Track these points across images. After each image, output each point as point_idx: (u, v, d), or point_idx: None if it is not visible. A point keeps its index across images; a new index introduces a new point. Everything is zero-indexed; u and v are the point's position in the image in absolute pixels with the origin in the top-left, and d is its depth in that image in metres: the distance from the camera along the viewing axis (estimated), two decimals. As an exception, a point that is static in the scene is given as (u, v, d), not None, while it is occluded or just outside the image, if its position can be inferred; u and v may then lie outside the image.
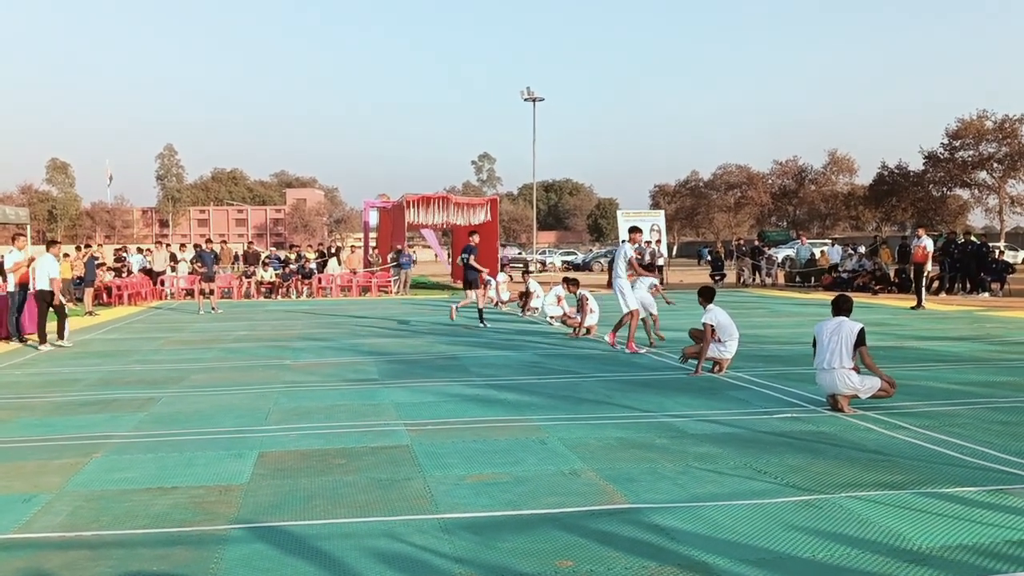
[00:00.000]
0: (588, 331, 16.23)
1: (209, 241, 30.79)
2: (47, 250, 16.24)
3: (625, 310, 13.74)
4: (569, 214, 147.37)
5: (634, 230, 14.89)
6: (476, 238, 19.34)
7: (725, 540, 4.96)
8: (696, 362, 11.34)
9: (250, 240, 51.92)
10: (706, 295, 11.68)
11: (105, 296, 26.81)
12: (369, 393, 10.18)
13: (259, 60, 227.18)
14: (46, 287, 15.50)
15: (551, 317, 18.60)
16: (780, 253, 42.76)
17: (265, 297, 30.29)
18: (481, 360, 13.00)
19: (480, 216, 33.86)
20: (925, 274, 22.56)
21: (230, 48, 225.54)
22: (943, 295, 26.49)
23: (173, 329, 18.90)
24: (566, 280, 18.56)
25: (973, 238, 29.38)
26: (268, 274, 31.27)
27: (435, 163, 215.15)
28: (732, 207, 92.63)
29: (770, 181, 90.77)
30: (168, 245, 37.28)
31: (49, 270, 15.58)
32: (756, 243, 39.29)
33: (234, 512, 5.64)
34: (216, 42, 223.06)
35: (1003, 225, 68.03)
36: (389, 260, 33.12)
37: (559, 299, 18.53)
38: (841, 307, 8.95)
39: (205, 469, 6.78)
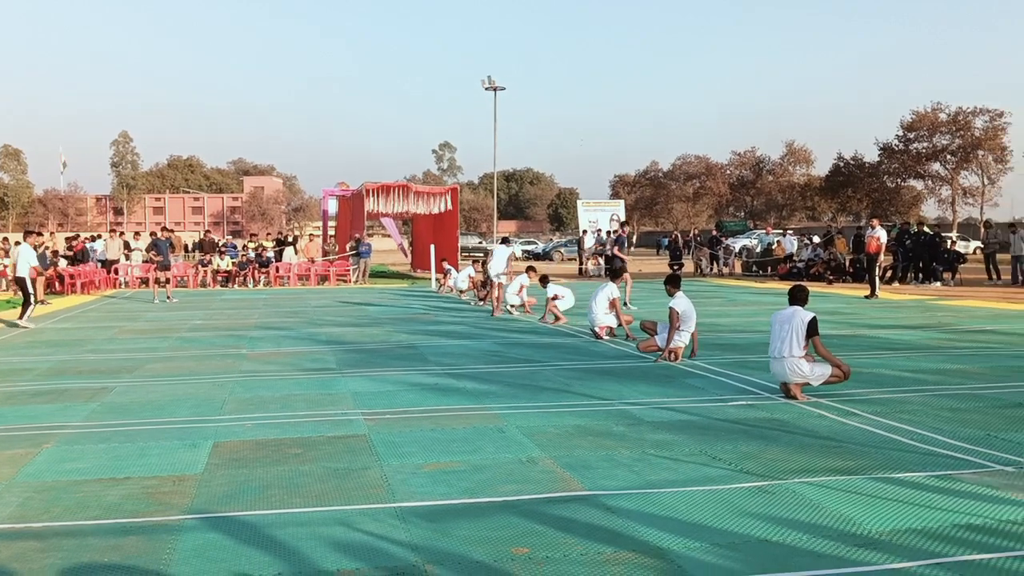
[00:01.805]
0: (557, 319, 16.27)
1: (165, 229, 30.40)
2: (24, 239, 18.28)
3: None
4: (530, 203, 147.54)
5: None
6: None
7: (680, 525, 5.01)
8: (659, 351, 11.44)
9: (207, 228, 51.34)
10: (673, 282, 11.86)
11: (57, 285, 26.37)
12: (326, 382, 10.13)
13: (216, 47, 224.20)
14: (25, 275, 17.01)
15: (511, 306, 18.62)
16: (737, 243, 43.21)
17: (221, 286, 29.98)
18: (440, 349, 12.98)
19: (440, 205, 33.77)
20: (879, 264, 22.90)
21: (186, 34, 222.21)
22: (896, 284, 26.91)
23: (127, 318, 18.64)
24: (530, 269, 18.63)
25: (926, 229, 29.89)
26: (224, 263, 30.94)
27: (395, 152, 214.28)
28: (691, 197, 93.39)
29: (728, 172, 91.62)
30: (122, 233, 36.74)
31: (28, 259, 17.19)
32: (714, 233, 39.61)
33: (188, 502, 5.58)
34: (171, 28, 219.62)
35: (955, 216, 69.35)
36: (348, 249, 32.94)
37: (521, 288, 18.54)
38: (796, 297, 9.05)
39: (159, 459, 6.70)
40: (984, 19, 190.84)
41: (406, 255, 42.27)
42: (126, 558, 4.62)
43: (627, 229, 26.29)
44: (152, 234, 29.41)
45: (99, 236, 36.41)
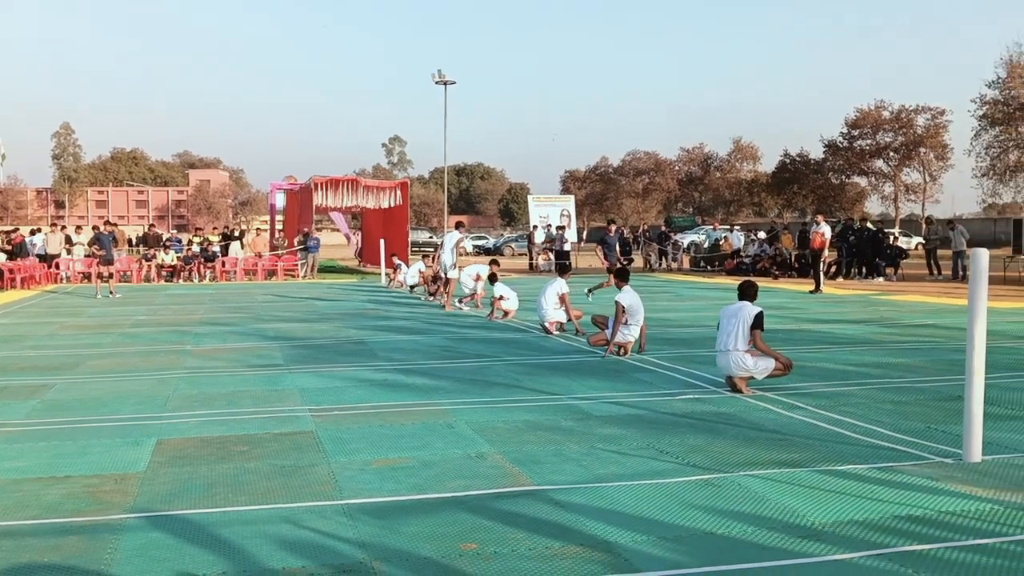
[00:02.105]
0: (506, 314, 16.26)
1: (108, 223, 29.81)
2: None
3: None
4: (480, 198, 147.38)
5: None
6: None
7: (627, 519, 5.04)
8: (606, 346, 11.49)
9: (151, 222, 50.48)
10: (622, 276, 11.92)
11: (-5, 280, 25.74)
12: (273, 379, 10.02)
13: (159, 38, 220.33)
14: None
15: (461, 300, 18.58)
16: (686, 239, 43.60)
17: (166, 281, 29.47)
18: (389, 345, 12.91)
19: (390, 200, 33.57)
20: (823, 259, 23.27)
21: (129, 25, 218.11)
22: (840, 280, 27.39)
23: (69, 314, 18.26)
24: (493, 262, 18.56)
25: (869, 225, 30.47)
26: (169, 257, 30.43)
27: (344, 145, 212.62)
28: (640, 193, 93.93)
29: (677, 168, 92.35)
30: (63, 227, 35.97)
31: None
32: (663, 229, 39.92)
33: (130, 501, 5.48)
34: (115, 19, 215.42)
35: (898, 212, 70.67)
36: (296, 243, 32.61)
37: (478, 276, 18.50)
38: (745, 292, 9.16)
39: (100, 457, 6.57)
40: (926, 20, 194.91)
41: (352, 242, 41.81)
42: (66, 558, 4.52)
43: (613, 228, 25.17)
44: (95, 228, 28.85)
45: (39, 230, 35.63)
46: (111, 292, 22.65)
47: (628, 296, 11.44)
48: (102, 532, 4.92)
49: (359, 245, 41.33)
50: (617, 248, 24.05)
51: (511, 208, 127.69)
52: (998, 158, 53.99)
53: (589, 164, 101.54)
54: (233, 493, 5.63)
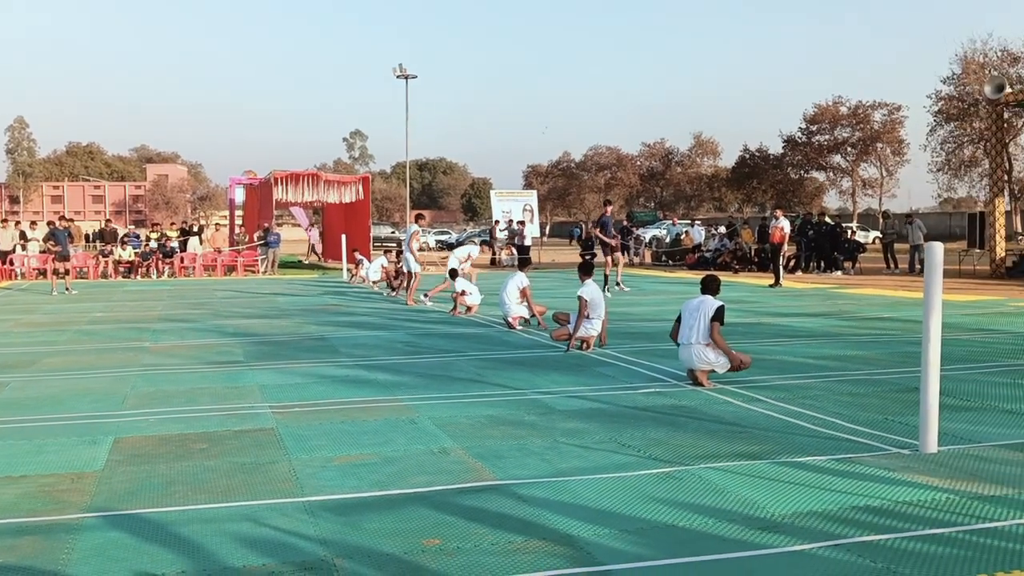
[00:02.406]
0: (469, 309, 16.25)
1: (63, 218, 29.33)
2: None
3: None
4: (443, 193, 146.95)
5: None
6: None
7: (590, 512, 5.05)
8: (568, 341, 11.52)
9: (108, 218, 49.73)
10: (585, 270, 11.97)
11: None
12: (233, 375, 9.92)
13: (114, 29, 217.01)
14: None
15: (426, 294, 18.56)
16: (647, 233, 43.84)
17: (124, 277, 29.10)
18: (351, 340, 12.84)
19: (352, 194, 33.35)
20: (783, 253, 23.51)
21: (84, 17, 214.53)
22: (799, 273, 27.69)
23: (24, 311, 17.95)
24: (484, 243, 18.52)
25: (827, 219, 30.81)
26: (127, 253, 30.02)
27: (305, 140, 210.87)
28: (602, 188, 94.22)
29: (639, 163, 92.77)
30: (18, 223, 35.31)
31: None
32: (625, 223, 40.08)
33: (87, 500, 5.40)
34: (68, 10, 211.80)
35: (856, 206, 71.64)
36: (256, 239, 32.31)
37: (468, 256, 18.51)
38: (707, 287, 9.22)
39: (56, 456, 6.47)
40: (884, 16, 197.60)
41: (313, 251, 41.44)
42: (22, 559, 4.44)
43: (610, 208, 24.48)
44: (50, 223, 28.36)
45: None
46: (67, 288, 22.30)
47: (589, 289, 11.48)
48: (59, 532, 4.84)
49: (313, 242, 40.94)
50: (611, 229, 22.92)
51: (474, 203, 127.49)
52: (953, 153, 54.92)
53: (551, 159, 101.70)
54: (192, 491, 5.57)
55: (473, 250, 19.17)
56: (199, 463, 6.24)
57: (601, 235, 22.48)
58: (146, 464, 6.22)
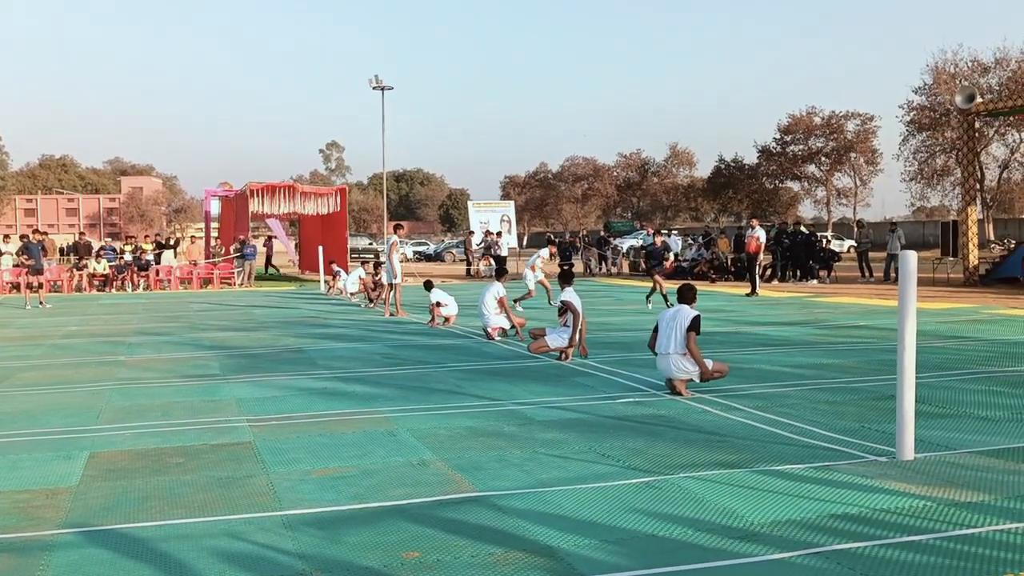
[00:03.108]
0: (447, 320, 16.23)
1: (36, 231, 29.04)
2: None
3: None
4: (421, 204, 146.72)
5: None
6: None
7: (570, 523, 5.05)
8: (552, 351, 11.56)
9: (82, 231, 49.29)
10: (566, 278, 12.23)
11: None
12: (209, 389, 9.84)
13: (88, 40, 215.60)
14: None
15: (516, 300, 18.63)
16: (625, 243, 43.98)
17: (98, 290, 28.84)
18: (329, 352, 12.78)
19: (329, 206, 33.23)
20: (759, 263, 23.65)
21: (57, 28, 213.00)
22: (775, 282, 27.85)
23: (-4, 325, 17.74)
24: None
25: (803, 228, 31.03)
26: (101, 266, 29.76)
27: (281, 151, 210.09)
28: (580, 198, 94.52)
29: (615, 173, 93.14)
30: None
31: None
32: (602, 234, 40.22)
33: (62, 516, 5.34)
34: (42, 21, 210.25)
35: (830, 216, 72.27)
36: (232, 251, 32.13)
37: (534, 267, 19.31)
38: (684, 296, 9.26)
39: (31, 472, 6.39)
40: (856, 27, 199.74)
41: (292, 257, 41.19)
42: (-6, 578, 4.39)
43: (660, 239, 24.64)
44: (23, 237, 28.06)
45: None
46: (41, 302, 22.07)
47: (572, 294, 11.58)
48: (33, 549, 4.78)
49: (270, 254, 40.47)
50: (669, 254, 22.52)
51: (451, 214, 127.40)
52: (925, 162, 55.55)
53: (529, 170, 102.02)
54: (169, 506, 5.51)
55: (543, 252, 21.03)
56: (176, 478, 6.18)
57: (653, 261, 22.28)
58: (122, 479, 6.16)
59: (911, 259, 6.27)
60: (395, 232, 19.47)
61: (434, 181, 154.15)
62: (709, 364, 8.90)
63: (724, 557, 4.50)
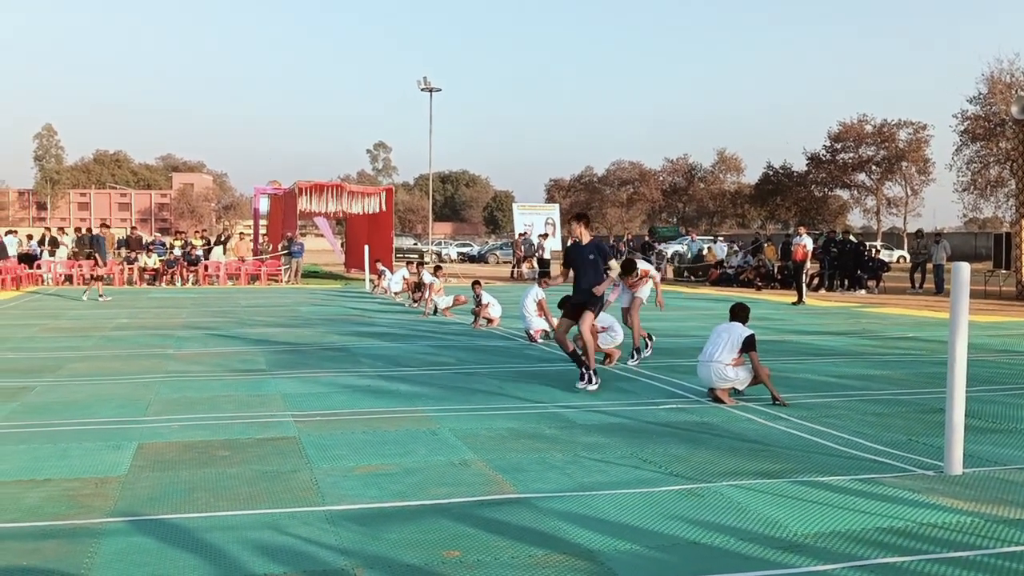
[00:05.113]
0: (490, 322, 16.28)
1: (104, 225, 29.67)
2: None
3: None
4: (465, 206, 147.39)
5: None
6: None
7: (611, 527, 5.04)
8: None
9: (133, 225, 50.19)
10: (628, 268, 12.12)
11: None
12: (256, 383, 9.97)
13: (144, 39, 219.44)
14: None
15: (444, 308, 18.58)
16: (670, 249, 43.75)
17: (148, 284, 29.34)
18: (373, 351, 12.88)
19: (375, 205, 33.50)
20: (805, 271, 23.40)
21: (112, 26, 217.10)
22: (823, 292, 27.54)
23: (50, 316, 18.13)
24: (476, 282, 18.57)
25: (851, 237, 30.63)
26: (152, 260, 30.28)
27: (329, 151, 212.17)
28: (625, 203, 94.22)
29: (661, 178, 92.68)
30: (48, 229, 35.72)
31: None
32: (646, 239, 40.06)
33: (110, 505, 5.44)
34: (97, 20, 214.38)
35: (880, 225, 71.17)
36: (280, 248, 32.50)
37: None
38: (736, 315, 9.17)
39: (80, 461, 6.52)
40: (914, 34, 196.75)
41: (337, 252, 41.50)
42: (46, 562, 4.48)
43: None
44: (87, 230, 28.71)
45: (14, 232, 35.33)
46: (100, 295, 22.49)
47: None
48: (82, 536, 4.88)
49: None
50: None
51: (496, 216, 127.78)
52: (979, 173, 54.57)
53: (574, 173, 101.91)
54: (214, 498, 5.60)
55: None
56: (221, 470, 6.27)
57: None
58: (169, 470, 6.26)
59: (964, 270, 6.16)
60: (435, 274, 19.63)
61: (479, 183, 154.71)
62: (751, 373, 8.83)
63: (766, 567, 4.46)
